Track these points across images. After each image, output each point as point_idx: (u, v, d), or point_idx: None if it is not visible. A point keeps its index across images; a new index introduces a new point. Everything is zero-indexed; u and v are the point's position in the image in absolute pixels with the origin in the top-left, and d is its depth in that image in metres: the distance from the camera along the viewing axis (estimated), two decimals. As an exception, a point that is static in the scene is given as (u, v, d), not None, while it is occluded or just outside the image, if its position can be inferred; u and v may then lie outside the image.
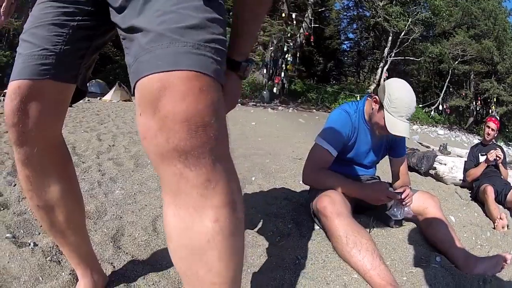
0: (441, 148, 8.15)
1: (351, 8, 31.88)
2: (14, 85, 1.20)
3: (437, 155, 6.18)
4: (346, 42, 36.89)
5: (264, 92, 19.66)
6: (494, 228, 3.68)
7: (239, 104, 16.49)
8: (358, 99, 16.64)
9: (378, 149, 2.99)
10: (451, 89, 28.60)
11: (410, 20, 23.63)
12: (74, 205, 1.51)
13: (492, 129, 5.44)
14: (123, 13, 1.05)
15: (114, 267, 1.91)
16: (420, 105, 25.56)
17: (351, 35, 35.94)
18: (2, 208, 2.48)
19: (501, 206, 4.40)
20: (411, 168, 6.03)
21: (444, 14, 25.01)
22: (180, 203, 0.96)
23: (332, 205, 2.41)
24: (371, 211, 2.85)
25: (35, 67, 1.19)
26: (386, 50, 25.28)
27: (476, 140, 18.08)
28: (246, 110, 14.54)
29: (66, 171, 1.46)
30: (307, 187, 3.02)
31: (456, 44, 24.55)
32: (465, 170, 5.47)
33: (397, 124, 2.57)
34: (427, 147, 9.64)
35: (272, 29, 19.48)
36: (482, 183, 4.71)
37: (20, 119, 1.21)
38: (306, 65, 30.58)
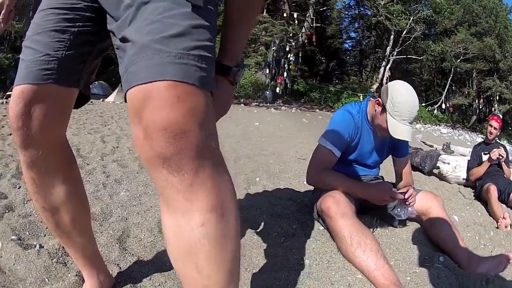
0: (445, 147, 8.15)
1: (353, 7, 31.86)
2: (18, 90, 1.23)
3: (440, 154, 6.18)
4: (348, 41, 36.89)
5: (267, 92, 19.66)
6: (497, 227, 3.68)
7: (242, 105, 16.55)
8: (361, 98, 16.54)
9: (382, 149, 2.99)
10: (453, 88, 28.51)
11: (411, 18, 23.60)
12: (79, 207, 1.53)
13: (495, 128, 5.43)
14: (118, 22, 1.08)
15: (120, 268, 1.93)
16: (423, 104, 25.52)
17: (353, 34, 35.92)
18: (7, 211, 2.49)
19: (504, 205, 4.39)
20: (414, 168, 6.04)
21: (445, 12, 24.96)
22: (170, 208, 1.00)
23: (337, 205, 2.42)
24: (375, 211, 2.86)
25: (37, 72, 1.22)
26: (388, 49, 25.24)
27: (479, 138, 18.03)
28: (249, 110, 14.53)
29: (71, 173, 1.48)
30: (311, 188, 3.03)
31: (458, 42, 24.48)
32: (468, 169, 5.46)
33: (399, 128, 2.58)
34: (431, 146, 9.63)
35: (274, 29, 19.48)
36: (485, 182, 4.71)
37: (25, 123, 1.24)
38: (309, 64, 30.53)
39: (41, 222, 2.29)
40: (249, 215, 2.88)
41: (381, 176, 3.19)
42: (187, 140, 0.93)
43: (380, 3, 23.95)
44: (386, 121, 2.62)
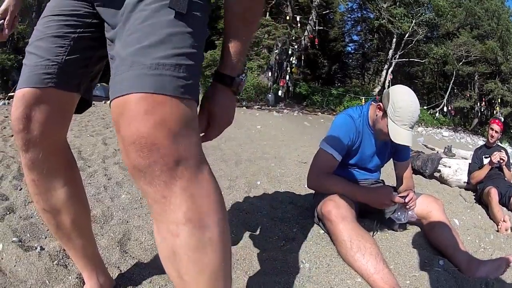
0: (446, 150, 8.13)
1: (355, 10, 31.78)
2: (19, 94, 1.26)
3: (441, 158, 6.17)
4: (350, 44, 36.78)
5: (269, 95, 19.63)
6: (497, 230, 3.69)
7: (245, 108, 16.53)
8: (363, 101, 16.52)
9: (383, 153, 3.00)
10: (455, 91, 28.45)
11: (414, 21, 23.56)
12: (80, 209, 1.55)
13: (496, 131, 5.43)
14: (114, 30, 1.11)
15: (120, 270, 1.94)
16: (425, 107, 25.46)
17: (355, 37, 35.82)
18: (8, 212, 2.50)
19: (505, 208, 4.39)
20: (415, 171, 6.03)
21: (447, 15, 24.92)
22: (153, 215, 1.03)
23: (337, 209, 2.43)
24: (375, 215, 2.86)
25: (38, 76, 1.25)
26: (391, 52, 25.20)
27: (480, 141, 17.99)
28: (252, 114, 14.54)
29: (72, 176, 1.50)
30: (312, 191, 3.04)
31: (460, 45, 24.41)
32: (470, 173, 5.46)
33: (400, 133, 2.58)
34: (432, 149, 9.60)
35: (276, 32, 19.46)
36: (486, 185, 4.71)
37: (26, 126, 1.26)
38: (311, 67, 30.51)
39: (42, 224, 2.30)
40: (250, 219, 2.89)
41: (382, 180, 3.19)
42: (157, 153, 0.93)
43: (382, 6, 23.92)
44: (387, 126, 2.62)
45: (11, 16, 1.49)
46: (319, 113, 20.73)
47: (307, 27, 22.30)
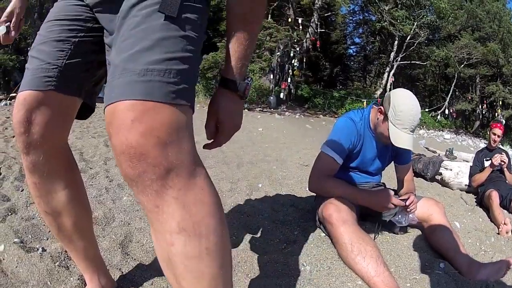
0: (447, 153, 8.12)
1: (357, 12, 31.78)
2: (21, 97, 1.27)
3: (443, 161, 6.17)
4: (352, 47, 36.74)
5: (271, 98, 19.60)
6: (498, 233, 3.69)
7: (246, 110, 16.52)
8: (365, 104, 16.50)
9: (384, 156, 3.00)
10: (457, 93, 28.42)
11: (415, 23, 23.53)
12: (81, 211, 1.55)
13: (498, 136, 5.44)
14: (112, 36, 1.12)
15: (122, 272, 1.94)
16: (427, 109, 25.43)
17: (357, 40, 35.79)
18: (10, 213, 2.51)
19: (505, 211, 4.40)
20: (417, 174, 6.03)
21: (449, 17, 24.89)
22: (150, 224, 1.01)
23: (338, 212, 2.44)
24: (376, 218, 2.87)
25: (39, 79, 1.27)
26: (392, 54, 25.17)
27: (482, 144, 17.95)
28: (253, 116, 14.54)
29: (73, 179, 1.51)
30: (314, 194, 3.04)
31: (462, 47, 24.36)
32: (471, 175, 5.46)
33: (401, 136, 2.59)
34: (434, 152, 9.59)
35: (278, 34, 19.44)
36: (487, 188, 4.71)
37: (26, 129, 1.28)
38: (313, 70, 30.53)
39: (44, 225, 2.31)
40: (251, 221, 2.90)
41: (383, 183, 3.20)
42: (145, 163, 0.91)
43: (384, 9, 23.91)
44: (388, 130, 2.63)
45: (17, 18, 1.50)
46: (321, 115, 20.71)
47: (309, 29, 22.29)
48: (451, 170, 5.85)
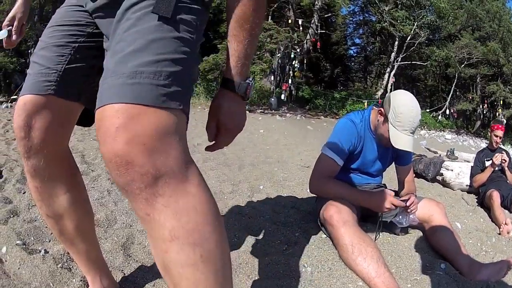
0: (448, 153, 8.12)
1: (357, 13, 31.76)
2: (21, 101, 1.28)
3: (444, 161, 6.17)
4: (352, 48, 36.70)
5: (272, 99, 19.59)
6: (499, 233, 3.69)
7: (247, 111, 16.50)
8: (366, 105, 16.48)
9: (385, 158, 3.01)
10: (458, 93, 28.37)
11: (415, 24, 23.52)
12: (83, 214, 1.56)
13: (500, 137, 5.45)
14: (110, 41, 1.10)
15: (124, 274, 1.95)
16: (427, 110, 25.38)
17: (357, 40, 35.74)
18: (12, 215, 2.52)
19: (507, 211, 4.40)
20: (418, 175, 6.03)
21: (449, 17, 24.86)
22: (146, 230, 1.00)
23: (338, 214, 2.44)
24: (377, 219, 2.87)
25: (39, 84, 1.28)
26: (393, 55, 25.15)
27: (483, 144, 17.92)
28: (254, 117, 14.53)
29: (74, 182, 1.51)
30: (315, 196, 3.05)
31: (462, 47, 24.33)
32: (472, 176, 5.46)
33: (401, 138, 2.59)
34: (435, 152, 9.58)
35: (279, 36, 19.43)
36: (488, 188, 4.71)
37: (27, 134, 1.29)
38: (313, 71, 30.48)
39: (46, 227, 2.32)
40: (253, 223, 2.90)
41: (384, 184, 3.20)
42: (132, 171, 0.88)
43: (384, 9, 23.93)
44: (388, 131, 2.64)
45: (19, 23, 1.52)
46: (322, 116, 20.71)
47: (309, 31, 22.29)
48: (452, 170, 5.85)
